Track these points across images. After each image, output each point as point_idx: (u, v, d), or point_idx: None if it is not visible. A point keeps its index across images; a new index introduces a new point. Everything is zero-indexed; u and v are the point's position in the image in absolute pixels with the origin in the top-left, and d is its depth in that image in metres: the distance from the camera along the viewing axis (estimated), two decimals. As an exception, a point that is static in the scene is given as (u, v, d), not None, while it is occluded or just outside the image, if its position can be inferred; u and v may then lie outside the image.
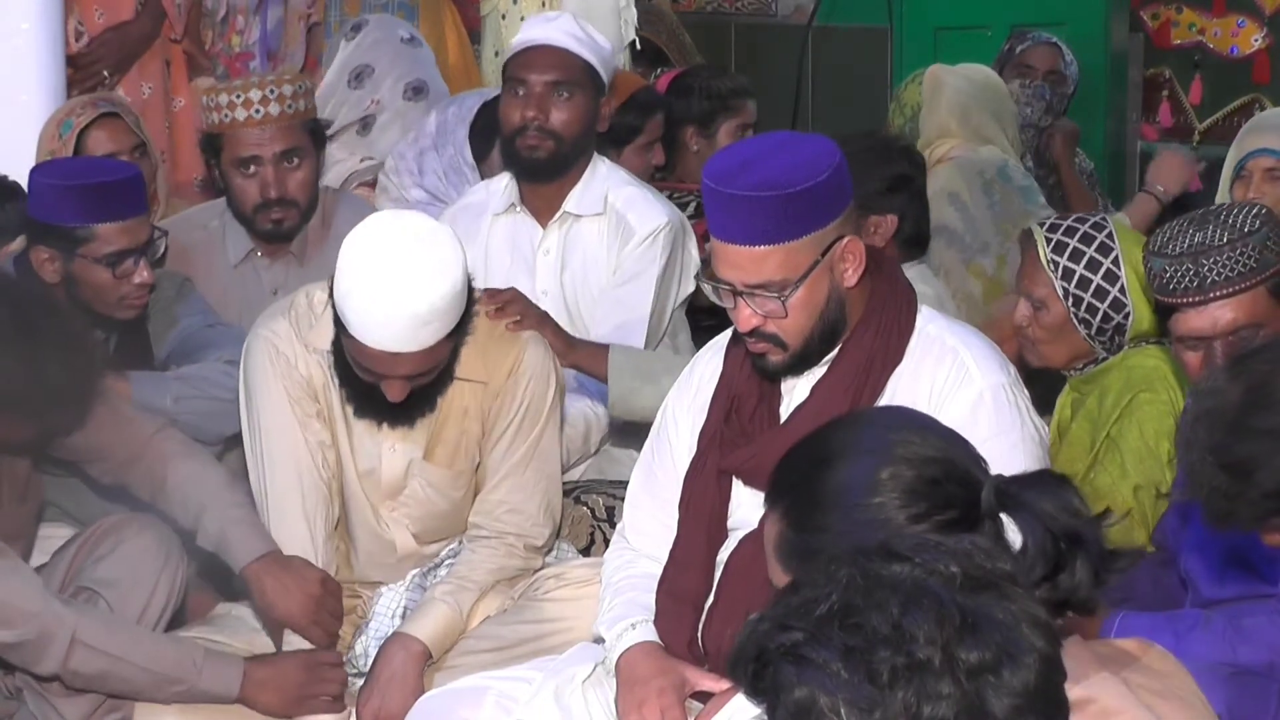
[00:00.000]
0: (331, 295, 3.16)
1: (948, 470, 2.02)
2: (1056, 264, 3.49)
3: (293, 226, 4.08)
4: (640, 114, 4.69)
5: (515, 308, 3.50)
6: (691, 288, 4.06)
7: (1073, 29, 6.42)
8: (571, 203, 3.98)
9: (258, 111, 4.00)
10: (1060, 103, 5.94)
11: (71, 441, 3.43)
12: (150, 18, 4.90)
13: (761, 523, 2.17)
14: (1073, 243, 3.50)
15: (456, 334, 3.18)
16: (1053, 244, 3.51)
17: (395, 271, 3.06)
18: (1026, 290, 3.55)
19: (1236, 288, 3.10)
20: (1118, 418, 3.48)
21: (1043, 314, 3.52)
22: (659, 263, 3.93)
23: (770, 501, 2.11)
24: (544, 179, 3.98)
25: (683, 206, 4.83)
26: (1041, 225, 3.59)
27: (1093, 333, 3.51)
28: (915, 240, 4.14)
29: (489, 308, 3.41)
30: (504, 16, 5.04)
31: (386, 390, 3.18)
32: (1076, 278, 3.48)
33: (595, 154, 4.04)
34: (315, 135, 4.12)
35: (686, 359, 3.32)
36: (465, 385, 3.34)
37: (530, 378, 3.37)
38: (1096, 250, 3.49)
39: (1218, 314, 3.11)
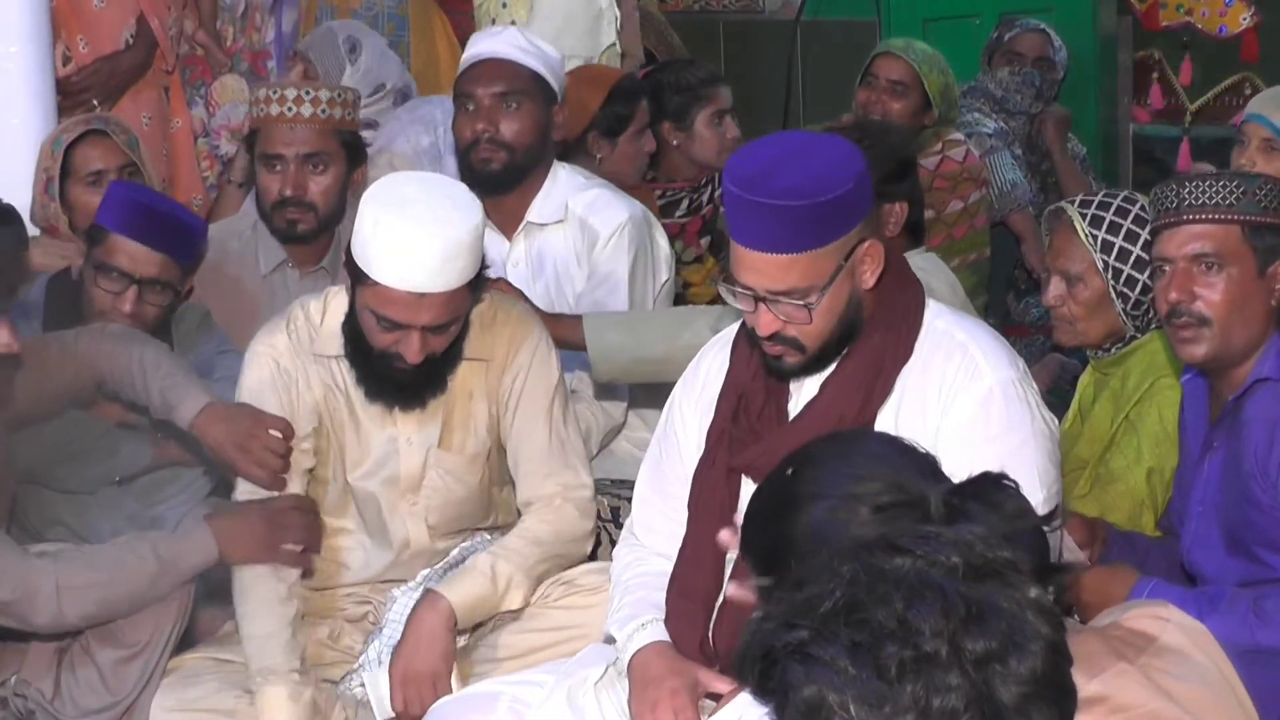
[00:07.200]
0: (348, 261, 3.18)
1: (897, 497, 2.00)
2: (1095, 237, 3.47)
3: (308, 230, 4.08)
4: (626, 102, 4.65)
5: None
6: (665, 277, 4.09)
7: (1061, 14, 6.43)
8: (534, 212, 4.02)
9: (290, 110, 4.02)
10: (1050, 89, 5.94)
11: (26, 398, 3.40)
12: (142, 48, 4.92)
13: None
14: (1108, 215, 3.48)
15: (473, 288, 3.20)
16: (1088, 218, 3.49)
17: (419, 208, 3.11)
18: (1062, 268, 3.52)
19: (1209, 216, 3.04)
20: (1138, 401, 3.47)
21: (1079, 289, 3.50)
22: (627, 259, 3.97)
23: (741, 552, 2.13)
24: (502, 190, 4.00)
25: (674, 205, 4.84)
26: (1071, 203, 3.57)
27: (1130, 306, 3.48)
28: (916, 227, 4.12)
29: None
30: (494, 20, 5.05)
31: (405, 350, 3.19)
32: (1116, 250, 3.46)
33: (555, 161, 4.05)
34: (349, 147, 4.11)
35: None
36: (470, 366, 3.37)
37: (533, 348, 3.42)
38: (1133, 222, 3.47)
39: (1185, 234, 3.06)
